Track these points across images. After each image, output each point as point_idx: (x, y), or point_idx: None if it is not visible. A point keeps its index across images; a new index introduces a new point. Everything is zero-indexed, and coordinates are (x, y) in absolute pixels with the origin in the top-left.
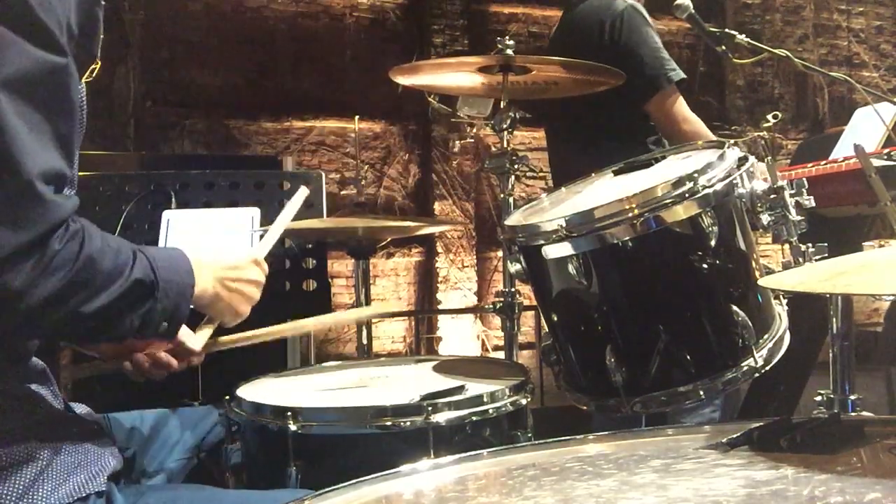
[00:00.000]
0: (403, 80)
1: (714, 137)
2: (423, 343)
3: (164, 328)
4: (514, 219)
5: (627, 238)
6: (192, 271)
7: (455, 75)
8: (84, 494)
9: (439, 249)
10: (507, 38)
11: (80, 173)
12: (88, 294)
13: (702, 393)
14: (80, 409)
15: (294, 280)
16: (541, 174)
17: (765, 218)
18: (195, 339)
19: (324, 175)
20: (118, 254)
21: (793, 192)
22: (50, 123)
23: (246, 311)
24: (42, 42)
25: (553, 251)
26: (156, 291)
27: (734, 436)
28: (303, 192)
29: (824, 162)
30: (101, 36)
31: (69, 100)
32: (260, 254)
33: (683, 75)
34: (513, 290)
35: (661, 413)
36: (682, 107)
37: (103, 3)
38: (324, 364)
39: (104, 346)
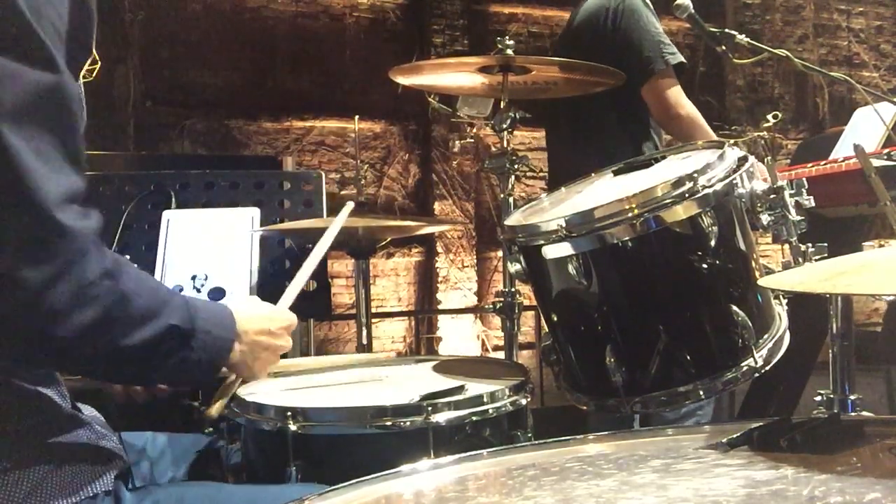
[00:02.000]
0: (403, 80)
1: (707, 127)
2: (423, 343)
3: (196, 377)
4: (514, 219)
5: (627, 238)
6: (235, 328)
7: (455, 75)
8: (91, 494)
9: (439, 249)
10: (507, 38)
11: None
12: (122, 331)
13: (702, 393)
14: (87, 410)
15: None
16: (541, 174)
17: (765, 218)
18: None
19: (324, 175)
20: (155, 294)
21: (793, 192)
22: (58, 142)
23: (262, 377)
24: (39, 61)
25: (553, 251)
26: (191, 340)
27: (734, 436)
28: (348, 208)
29: (824, 162)
30: (95, 27)
31: (71, 112)
32: (293, 318)
33: (682, 59)
34: (513, 290)
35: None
36: (677, 92)
37: None
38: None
39: None
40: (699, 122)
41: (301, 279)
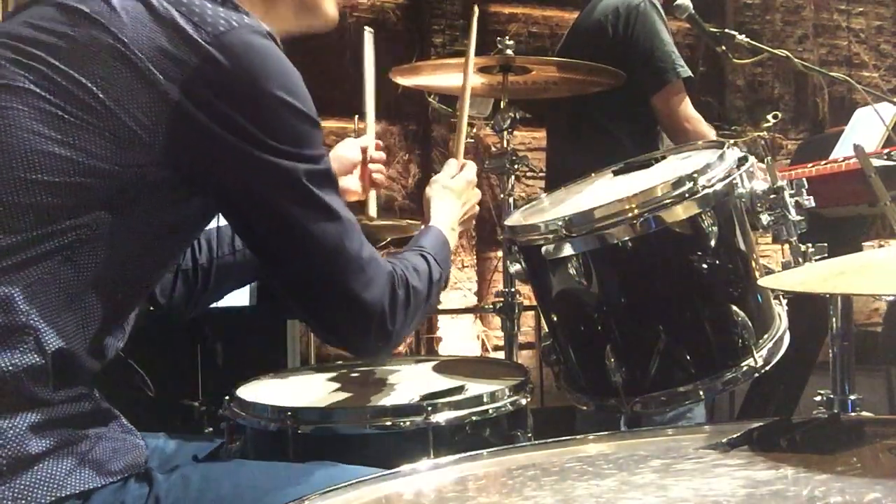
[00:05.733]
0: (403, 80)
1: (714, 137)
2: (423, 343)
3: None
4: (514, 219)
5: (627, 238)
6: (448, 242)
7: (455, 75)
8: (125, 476)
9: None
10: (507, 38)
11: None
12: (424, 309)
13: (702, 393)
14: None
15: None
16: (541, 174)
17: (765, 218)
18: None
19: None
20: (420, 270)
21: (793, 192)
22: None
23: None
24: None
25: (553, 251)
26: (442, 273)
27: (734, 436)
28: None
29: (824, 162)
30: None
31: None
32: (467, 172)
33: (690, 73)
34: (513, 290)
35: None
36: (686, 105)
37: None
38: (324, 364)
39: None
40: (705, 134)
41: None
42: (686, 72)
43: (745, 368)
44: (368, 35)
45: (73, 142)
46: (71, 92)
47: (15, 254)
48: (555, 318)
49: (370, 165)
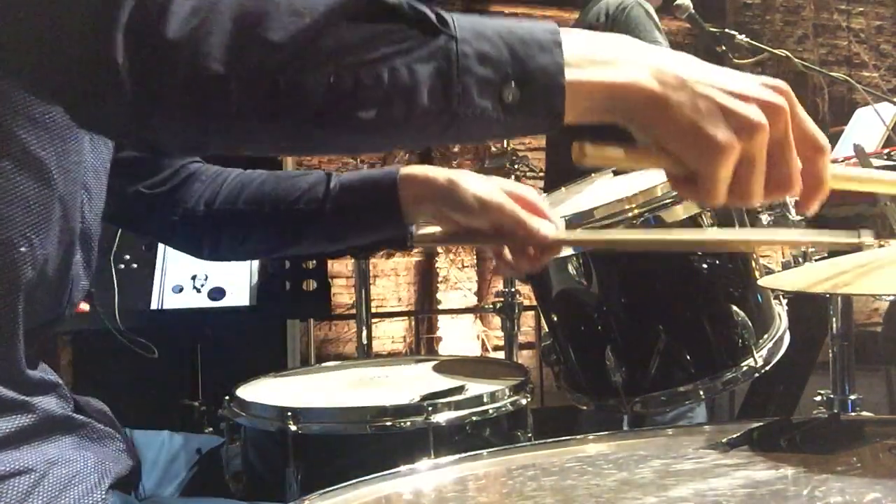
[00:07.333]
0: None
1: None
2: (423, 343)
3: (513, 98)
4: None
5: None
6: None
7: None
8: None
9: (439, 249)
10: None
11: None
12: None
13: (702, 393)
14: (96, 404)
15: (294, 280)
16: (541, 174)
17: (765, 218)
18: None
19: None
20: None
21: None
22: None
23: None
24: None
25: None
26: (445, 29)
27: (734, 436)
28: None
29: None
30: None
31: None
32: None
33: None
34: (513, 290)
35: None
36: None
37: None
38: (324, 364)
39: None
40: None
41: None
42: None
43: (745, 368)
44: None
45: None
46: None
47: None
48: (555, 318)
49: None
